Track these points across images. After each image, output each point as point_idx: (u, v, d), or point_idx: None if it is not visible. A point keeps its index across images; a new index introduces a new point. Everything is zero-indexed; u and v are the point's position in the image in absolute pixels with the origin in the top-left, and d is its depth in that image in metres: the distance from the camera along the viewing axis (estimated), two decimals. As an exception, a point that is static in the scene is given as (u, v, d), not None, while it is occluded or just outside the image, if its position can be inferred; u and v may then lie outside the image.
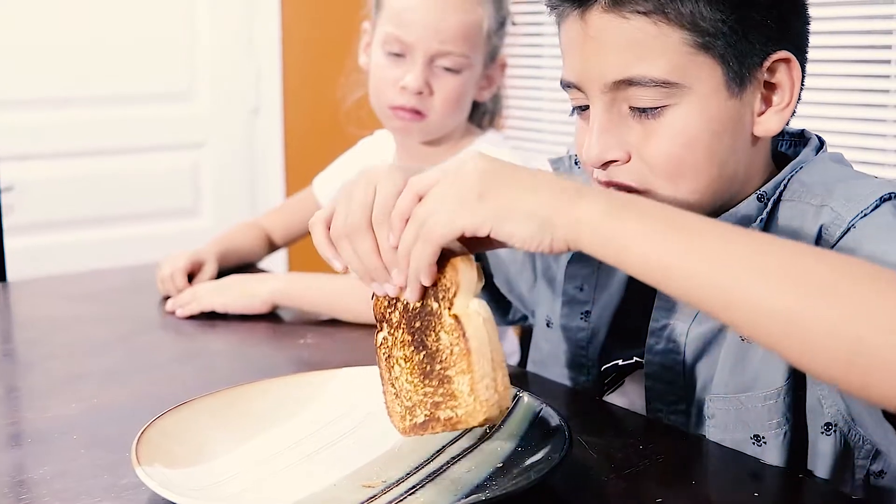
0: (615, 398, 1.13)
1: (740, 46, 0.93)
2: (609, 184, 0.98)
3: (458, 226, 0.80)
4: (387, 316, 0.92)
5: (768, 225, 0.98)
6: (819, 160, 1.02)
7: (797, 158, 1.01)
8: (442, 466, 0.92)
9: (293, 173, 3.35)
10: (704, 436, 1.03)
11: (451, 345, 0.85)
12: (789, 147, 1.07)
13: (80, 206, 3.04)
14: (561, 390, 1.17)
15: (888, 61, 2.10)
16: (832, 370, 0.72)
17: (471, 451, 0.95)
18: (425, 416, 0.87)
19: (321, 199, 1.90)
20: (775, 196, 0.99)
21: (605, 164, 0.97)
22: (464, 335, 0.84)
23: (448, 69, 1.60)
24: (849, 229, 0.90)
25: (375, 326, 0.94)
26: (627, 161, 0.96)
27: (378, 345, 0.94)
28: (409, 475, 0.90)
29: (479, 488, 0.87)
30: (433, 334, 0.87)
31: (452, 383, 0.85)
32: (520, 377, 1.23)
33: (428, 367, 0.87)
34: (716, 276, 0.74)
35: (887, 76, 2.10)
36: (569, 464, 0.89)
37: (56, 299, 1.66)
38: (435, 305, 0.87)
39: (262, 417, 1.01)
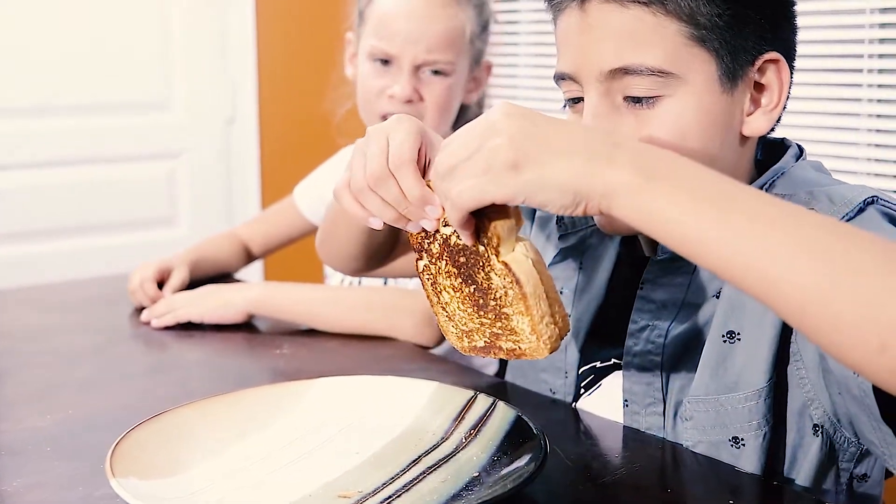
0: (592, 401, 1.13)
1: (734, 42, 0.96)
2: None
3: (489, 197, 0.79)
4: (425, 247, 0.93)
5: None
6: (800, 167, 1.03)
7: (777, 164, 1.02)
8: (418, 476, 0.92)
9: (269, 182, 3.34)
10: (681, 444, 1.03)
11: (504, 287, 0.86)
12: (769, 155, 1.08)
13: (55, 215, 3.02)
14: (538, 399, 1.17)
15: (860, 70, 2.11)
16: (860, 354, 0.70)
17: (447, 461, 0.95)
18: (485, 342, 0.89)
19: (302, 208, 1.90)
20: None
21: None
22: (517, 281, 0.85)
23: (436, 74, 1.61)
24: None
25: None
26: None
27: (420, 271, 0.94)
28: (385, 485, 0.90)
29: (454, 498, 0.87)
30: (482, 273, 0.88)
31: (511, 321, 0.86)
32: (497, 387, 1.23)
33: (481, 301, 0.88)
34: (751, 253, 0.72)
35: (859, 85, 2.12)
36: (545, 473, 0.89)
37: (30, 309, 1.65)
38: (481, 248, 0.87)
39: (238, 428, 1.01)
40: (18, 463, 1.00)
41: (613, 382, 1.11)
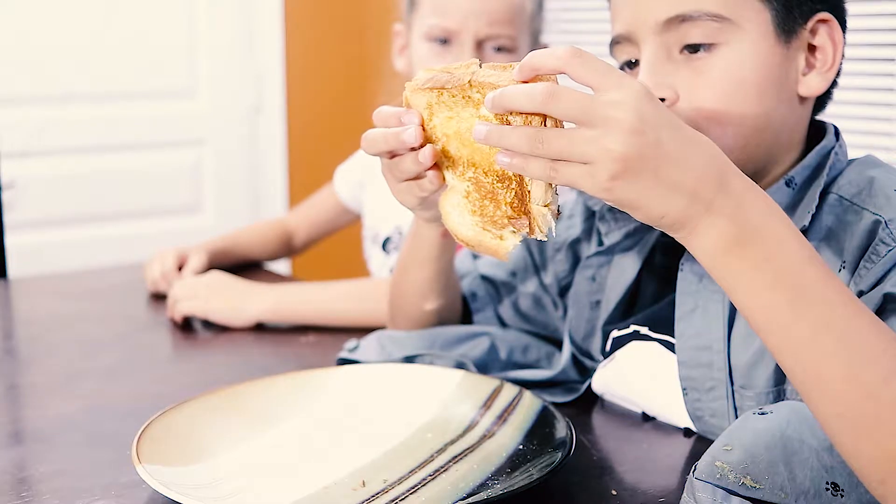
0: (607, 373, 1.12)
1: None
2: None
3: (579, 186, 0.75)
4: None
5: (812, 219, 0.96)
6: (871, 161, 1.01)
7: (822, 143, 1.01)
8: (443, 465, 0.91)
9: (295, 171, 3.35)
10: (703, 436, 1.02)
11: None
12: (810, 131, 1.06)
13: (81, 203, 3.04)
14: (563, 389, 1.16)
15: (893, 59, 2.09)
16: (874, 475, 0.72)
17: (473, 450, 0.94)
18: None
19: (342, 195, 1.89)
20: (808, 183, 0.98)
21: None
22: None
23: (499, 51, 1.55)
24: None
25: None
26: (675, 102, 0.97)
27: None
28: (410, 474, 0.90)
29: (481, 487, 0.87)
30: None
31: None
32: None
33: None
34: (806, 362, 0.73)
35: (892, 75, 2.09)
36: (570, 463, 0.88)
37: (57, 297, 1.65)
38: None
39: (263, 416, 1.01)
40: (45, 449, 1.00)
41: (627, 353, 1.09)
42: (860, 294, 0.90)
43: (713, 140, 0.93)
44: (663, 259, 1.11)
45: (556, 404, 0.98)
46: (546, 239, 0.83)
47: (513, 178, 0.82)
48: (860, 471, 0.73)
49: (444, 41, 1.55)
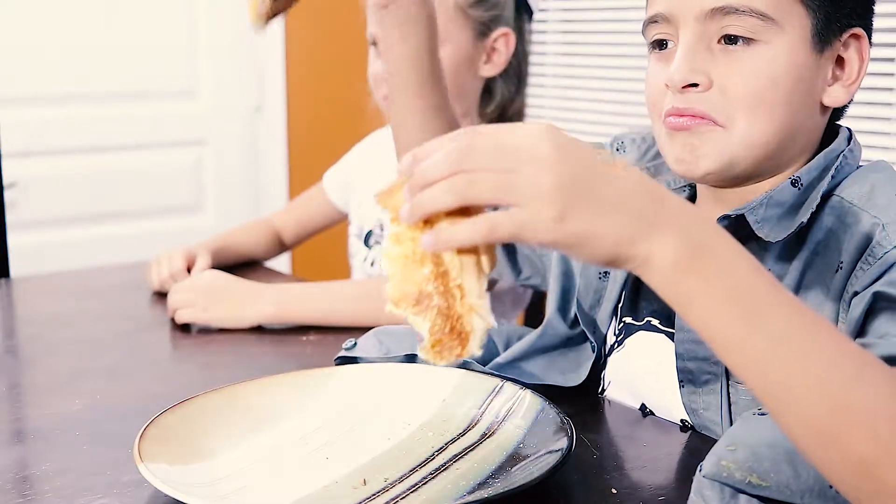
0: (616, 360, 1.13)
1: (830, 7, 0.97)
2: (684, 113, 0.98)
3: (526, 238, 0.71)
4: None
5: (813, 219, 0.97)
6: (880, 166, 1.02)
7: (831, 146, 1.01)
8: (444, 464, 0.92)
9: (296, 170, 3.35)
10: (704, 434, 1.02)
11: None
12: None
13: (83, 202, 3.04)
14: (563, 387, 1.16)
15: (893, 59, 2.09)
16: (847, 482, 0.72)
17: (473, 449, 0.95)
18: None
19: (331, 195, 1.90)
20: (814, 185, 0.99)
21: (686, 87, 0.98)
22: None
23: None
24: None
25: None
26: (708, 88, 0.97)
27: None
28: (411, 472, 0.90)
29: (481, 486, 0.87)
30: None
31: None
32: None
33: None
34: (770, 366, 0.71)
35: (892, 74, 2.09)
36: (571, 461, 0.89)
37: (59, 296, 1.66)
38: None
39: (264, 414, 1.01)
40: (46, 448, 1.00)
41: (636, 342, 1.10)
42: (854, 295, 0.91)
43: (740, 132, 0.96)
44: None
45: (555, 404, 0.98)
46: (480, 352, 0.77)
47: (433, 292, 0.76)
48: (832, 479, 0.73)
49: (375, 45, 1.63)
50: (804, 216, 0.96)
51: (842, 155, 1.00)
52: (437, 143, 0.74)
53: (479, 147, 0.71)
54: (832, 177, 0.98)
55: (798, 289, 0.97)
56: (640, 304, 1.11)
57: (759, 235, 0.97)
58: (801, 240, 0.98)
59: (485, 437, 0.97)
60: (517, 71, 1.71)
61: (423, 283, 0.76)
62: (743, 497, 0.80)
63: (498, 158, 0.71)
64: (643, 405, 1.09)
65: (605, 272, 1.16)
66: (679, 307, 0.73)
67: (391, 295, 0.78)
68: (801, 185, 0.99)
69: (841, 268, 0.94)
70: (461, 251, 0.75)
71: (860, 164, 1.03)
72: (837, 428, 0.70)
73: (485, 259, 0.76)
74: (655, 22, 1.02)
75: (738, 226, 0.98)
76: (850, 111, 1.07)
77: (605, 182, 0.71)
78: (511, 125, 0.74)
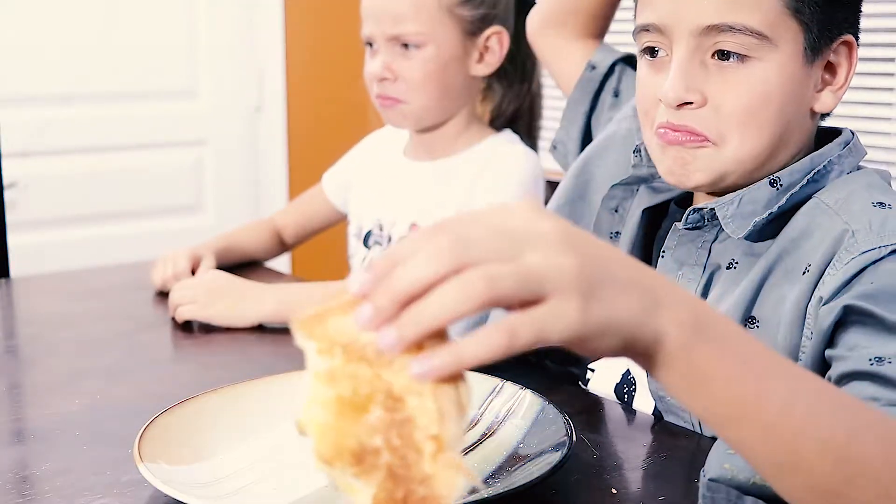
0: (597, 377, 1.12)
1: (824, 19, 0.98)
2: (678, 129, 0.99)
3: (546, 339, 0.59)
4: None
5: (789, 218, 0.98)
6: (864, 174, 1.02)
7: (821, 150, 1.02)
8: (444, 464, 0.92)
9: (296, 170, 3.35)
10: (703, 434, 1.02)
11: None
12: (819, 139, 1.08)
13: (83, 202, 3.04)
14: (563, 387, 1.16)
15: (893, 59, 2.09)
16: None
17: (473, 449, 0.95)
18: None
19: (330, 195, 1.90)
20: (793, 187, 0.99)
21: (681, 106, 0.98)
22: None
23: (406, 49, 1.58)
24: (877, 261, 0.90)
25: None
26: (702, 105, 0.98)
27: None
28: (411, 472, 0.90)
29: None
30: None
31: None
32: (524, 375, 1.23)
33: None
34: (781, 432, 0.67)
35: (892, 74, 2.10)
36: (571, 461, 0.89)
37: (59, 296, 1.66)
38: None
39: (265, 415, 1.01)
40: (47, 448, 1.01)
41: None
42: (820, 300, 0.91)
43: (731, 149, 0.97)
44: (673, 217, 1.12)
45: (555, 404, 0.98)
46: None
47: (382, 446, 0.58)
48: None
49: (371, 47, 1.61)
50: (766, 213, 0.98)
51: (829, 160, 1.00)
52: (405, 247, 0.59)
53: (475, 236, 0.58)
54: (814, 180, 0.99)
55: (762, 284, 0.98)
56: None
57: (726, 230, 0.99)
58: (774, 236, 0.99)
59: (485, 436, 0.97)
60: (521, 70, 1.71)
61: (367, 435, 0.58)
62: (749, 499, 0.80)
63: (503, 246, 0.59)
64: (616, 391, 1.10)
65: (617, 232, 1.16)
66: (693, 383, 0.66)
67: (320, 451, 0.60)
68: (781, 185, 1.00)
69: (808, 270, 0.95)
70: (437, 383, 0.58)
71: (860, 166, 1.03)
72: (843, 483, 0.68)
73: (463, 391, 0.59)
74: (647, 31, 1.02)
75: (710, 218, 1.01)
76: (850, 111, 1.07)
77: (614, 259, 0.63)
78: (485, 210, 0.62)
